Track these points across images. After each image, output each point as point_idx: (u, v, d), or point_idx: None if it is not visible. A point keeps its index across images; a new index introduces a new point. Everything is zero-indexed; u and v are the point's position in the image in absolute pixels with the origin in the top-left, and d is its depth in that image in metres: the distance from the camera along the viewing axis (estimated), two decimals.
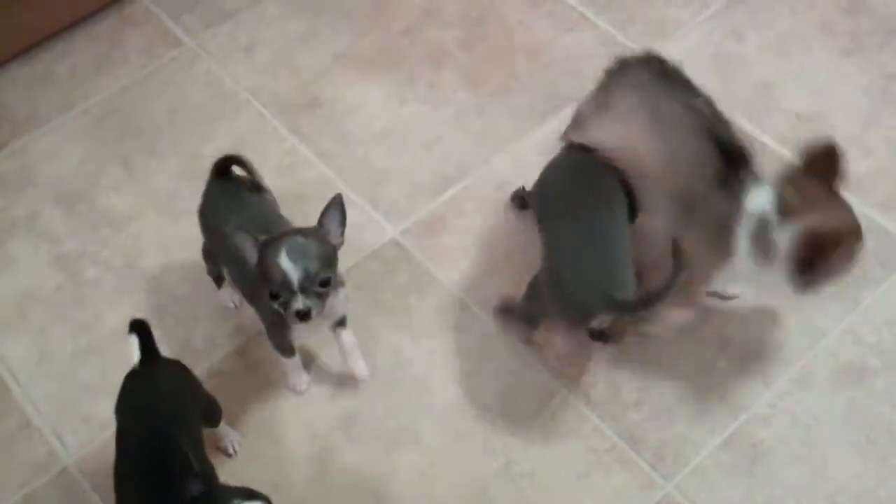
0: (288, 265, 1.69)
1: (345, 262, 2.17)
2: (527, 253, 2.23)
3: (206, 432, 1.87)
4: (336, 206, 1.76)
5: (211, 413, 1.89)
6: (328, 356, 2.12)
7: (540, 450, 2.00)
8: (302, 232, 1.75)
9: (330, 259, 1.75)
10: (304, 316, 1.71)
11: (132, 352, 1.74)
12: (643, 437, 2.00)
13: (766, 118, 2.43)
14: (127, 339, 1.77)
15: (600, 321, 1.96)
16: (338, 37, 2.65)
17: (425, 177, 2.38)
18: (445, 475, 1.98)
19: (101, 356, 2.15)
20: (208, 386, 1.93)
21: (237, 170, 2.02)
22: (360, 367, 2.03)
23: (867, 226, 2.10)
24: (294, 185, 2.36)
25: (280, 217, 1.98)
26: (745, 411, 2.02)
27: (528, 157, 2.39)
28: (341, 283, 1.85)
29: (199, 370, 2.03)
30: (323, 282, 1.72)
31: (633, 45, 2.58)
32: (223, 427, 1.96)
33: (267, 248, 1.71)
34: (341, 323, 1.96)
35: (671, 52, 2.46)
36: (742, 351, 2.09)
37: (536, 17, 2.66)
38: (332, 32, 2.66)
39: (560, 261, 1.88)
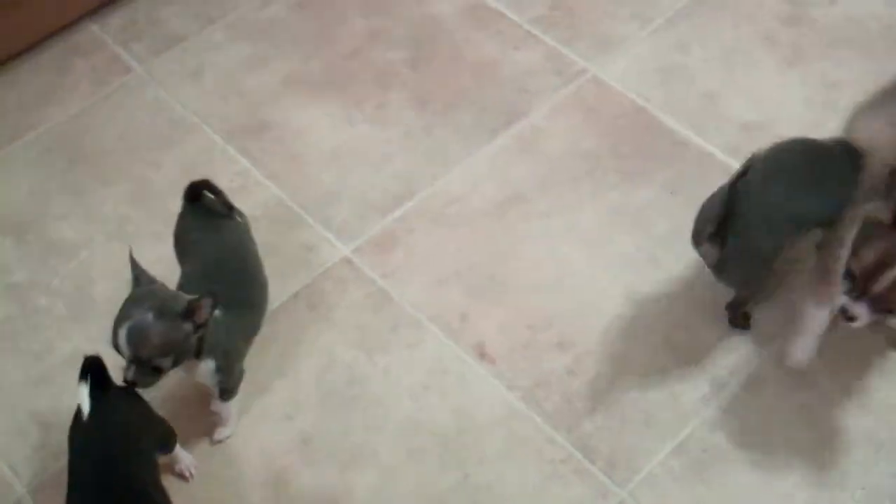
0: (122, 342, 1.69)
1: (297, 282, 2.19)
2: (477, 269, 2.24)
3: (161, 457, 1.86)
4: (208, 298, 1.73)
5: (165, 439, 1.88)
6: (278, 378, 2.11)
7: (496, 463, 2.00)
8: (156, 308, 1.71)
9: (172, 345, 1.72)
10: (132, 384, 1.71)
11: (82, 400, 1.71)
12: (597, 446, 2.01)
13: (711, 129, 2.47)
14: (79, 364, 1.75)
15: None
16: (285, 60, 2.66)
17: (376, 196, 2.39)
18: (402, 492, 1.98)
19: (54, 385, 2.13)
20: (162, 411, 1.93)
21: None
22: (219, 433, 2.02)
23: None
24: (246, 207, 2.35)
25: (246, 245, 2.00)
26: (696, 416, 2.04)
27: (478, 174, 2.41)
28: (213, 356, 1.83)
29: (153, 395, 2.02)
30: (155, 367, 1.71)
31: (580, 60, 2.61)
32: (178, 451, 1.95)
33: (121, 308, 1.71)
34: (221, 394, 1.95)
35: (617, 66, 2.52)
36: (692, 357, 2.11)
37: (484, 36, 2.69)
38: (280, 56, 2.67)
39: None
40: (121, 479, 1.61)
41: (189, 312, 1.72)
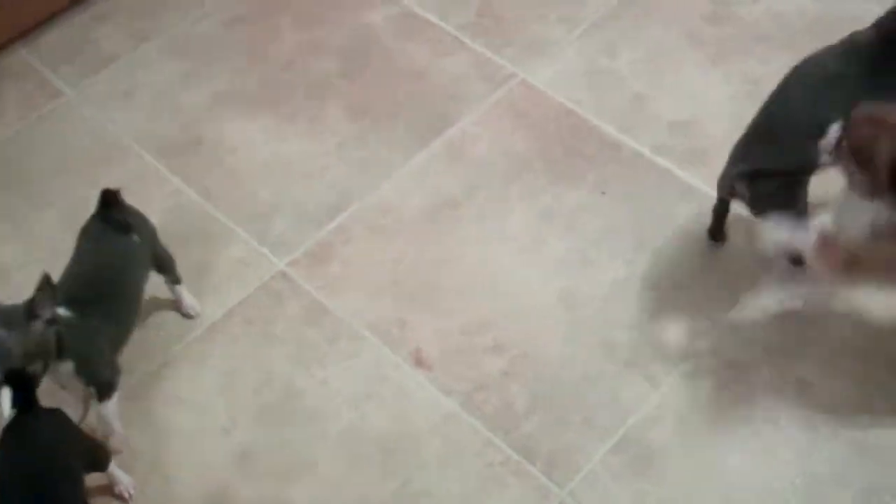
0: None
1: (233, 297, 2.19)
2: (413, 276, 2.26)
3: (103, 476, 1.86)
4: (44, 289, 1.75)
5: (95, 459, 1.87)
6: (216, 394, 2.12)
7: (436, 468, 2.02)
8: (2, 321, 1.72)
9: (33, 347, 1.74)
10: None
11: (4, 404, 1.72)
12: (536, 447, 2.03)
13: (640, 129, 2.50)
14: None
15: None
16: (218, 75, 2.66)
17: (311, 208, 2.40)
18: (343, 502, 1.99)
19: None
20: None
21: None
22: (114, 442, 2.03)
23: (740, 224, 2.17)
24: (180, 226, 2.36)
25: (131, 264, 2.02)
26: (633, 414, 2.06)
27: (413, 181, 2.42)
28: (71, 357, 1.85)
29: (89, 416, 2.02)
30: (30, 377, 1.74)
31: (509, 65, 2.63)
32: (115, 472, 1.95)
33: None
34: (98, 394, 1.96)
35: (546, 70, 2.54)
36: (628, 354, 2.13)
37: (415, 44, 2.70)
38: (213, 71, 2.68)
39: None
40: (47, 498, 1.61)
41: (31, 310, 1.73)
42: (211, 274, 2.26)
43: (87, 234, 2.02)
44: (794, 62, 2.52)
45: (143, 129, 2.57)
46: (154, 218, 2.18)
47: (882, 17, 2.04)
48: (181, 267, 2.19)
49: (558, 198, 2.39)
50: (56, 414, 1.78)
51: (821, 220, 1.91)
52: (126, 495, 1.98)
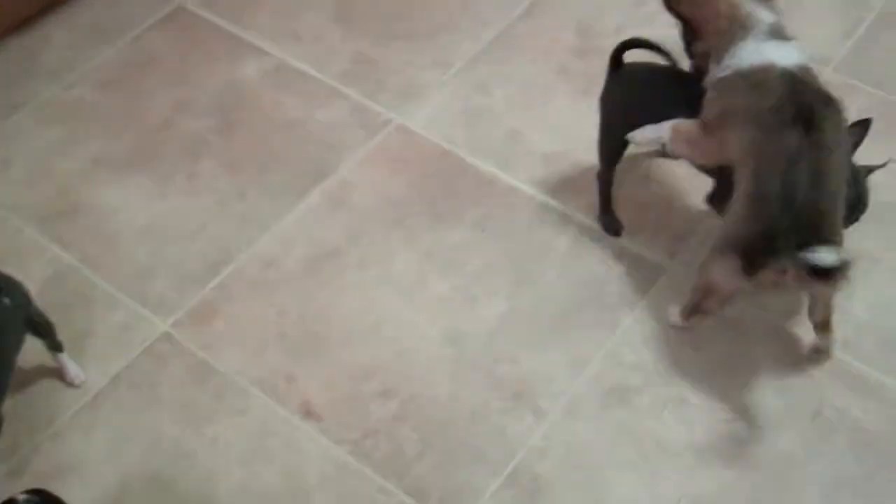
0: None
1: (117, 362, 2.18)
2: (298, 328, 2.26)
3: None
4: None
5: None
6: (104, 463, 2.09)
7: None
8: None
9: None
10: None
11: None
12: (428, 489, 2.04)
13: (516, 163, 2.54)
14: None
15: None
16: (94, 140, 2.65)
17: (192, 266, 2.39)
18: None
19: None
20: None
21: None
22: None
23: (616, 251, 2.22)
24: (60, 293, 2.33)
25: None
26: (521, 448, 2.08)
27: (292, 234, 2.43)
28: None
29: None
30: None
31: (385, 111, 2.66)
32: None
33: None
34: None
35: (422, 113, 2.57)
36: (513, 389, 2.16)
37: (289, 95, 2.72)
38: (89, 136, 2.66)
39: None
40: None
41: None
42: (94, 340, 2.24)
43: None
44: None
45: (19, 198, 2.54)
46: (33, 287, 2.16)
47: None
48: (63, 335, 2.16)
49: (439, 238, 2.42)
50: None
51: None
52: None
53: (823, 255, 1.78)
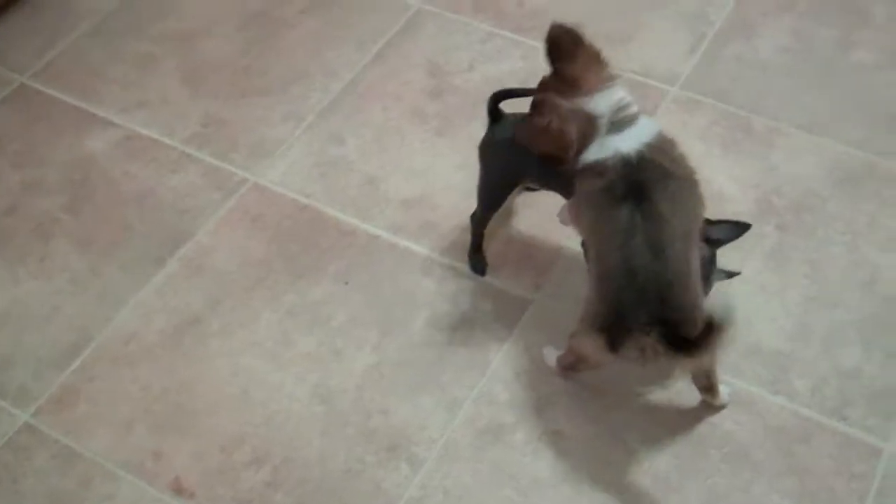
0: None
1: None
2: (163, 402, 2.21)
3: None
4: None
5: None
6: None
7: None
8: None
9: None
10: None
11: None
12: None
13: (375, 212, 2.52)
14: None
15: None
16: None
17: (50, 352, 2.32)
18: None
19: None
20: None
21: None
22: None
23: (481, 289, 2.20)
24: None
25: None
26: (399, 500, 2.05)
27: (153, 305, 2.37)
28: None
29: None
30: None
31: (239, 171, 2.63)
32: None
33: None
34: None
35: (276, 169, 2.54)
36: (387, 441, 2.13)
37: (139, 165, 2.67)
38: None
39: None
40: None
41: None
42: None
43: None
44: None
45: None
46: None
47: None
48: None
49: (302, 295, 2.38)
50: None
51: None
52: None
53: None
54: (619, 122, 1.89)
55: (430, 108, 2.76)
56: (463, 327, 2.30)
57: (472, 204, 2.45)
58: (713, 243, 2.03)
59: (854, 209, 2.47)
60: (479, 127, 2.62)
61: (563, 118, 1.89)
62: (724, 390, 2.11)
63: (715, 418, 2.13)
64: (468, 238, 2.38)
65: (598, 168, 1.89)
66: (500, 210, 2.35)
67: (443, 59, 2.88)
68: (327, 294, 2.38)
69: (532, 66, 2.83)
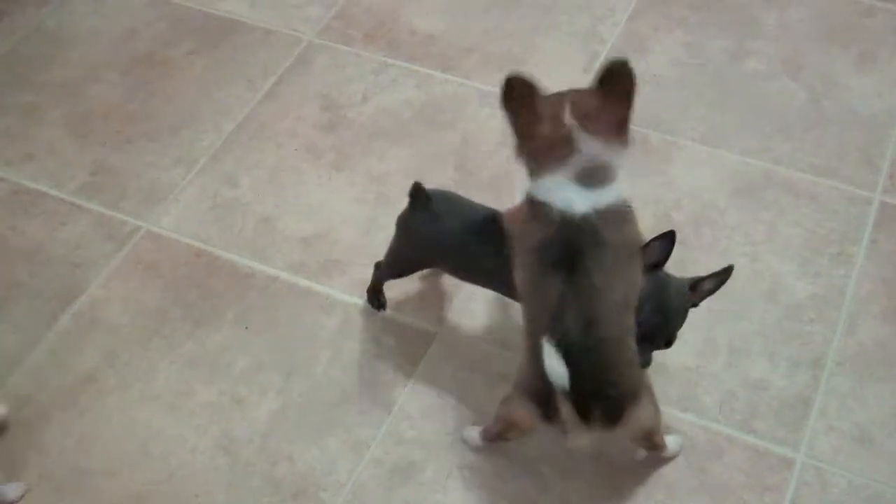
0: None
1: None
2: (58, 466, 2.14)
3: None
4: None
5: None
6: None
7: None
8: None
9: None
10: None
11: None
12: None
13: (273, 252, 2.46)
14: None
15: None
16: None
17: None
18: None
19: None
20: None
21: None
22: None
23: (384, 325, 2.16)
24: None
25: None
26: None
27: (42, 367, 2.29)
28: None
29: None
30: None
31: (131, 219, 2.55)
32: None
33: None
34: None
35: (170, 215, 2.48)
36: (293, 488, 2.07)
37: (27, 219, 2.58)
38: None
39: None
40: None
41: None
42: None
43: None
44: (410, 152, 2.59)
45: None
46: None
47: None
48: None
49: (201, 342, 2.31)
50: None
51: None
52: None
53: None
54: (590, 176, 1.69)
55: (325, 143, 2.72)
56: (367, 365, 2.25)
57: (371, 238, 2.42)
58: (654, 268, 1.89)
59: (753, 219, 2.47)
60: (375, 159, 2.60)
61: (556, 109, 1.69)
62: (673, 441, 2.05)
63: (626, 442, 2.09)
64: (369, 273, 2.33)
65: (542, 211, 1.71)
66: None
67: (336, 92, 2.84)
68: (227, 340, 2.31)
69: (426, 95, 2.80)
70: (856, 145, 2.63)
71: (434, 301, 2.35)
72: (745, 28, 2.97)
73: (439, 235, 2.05)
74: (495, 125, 2.71)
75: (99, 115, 2.81)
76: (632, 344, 1.78)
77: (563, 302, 1.70)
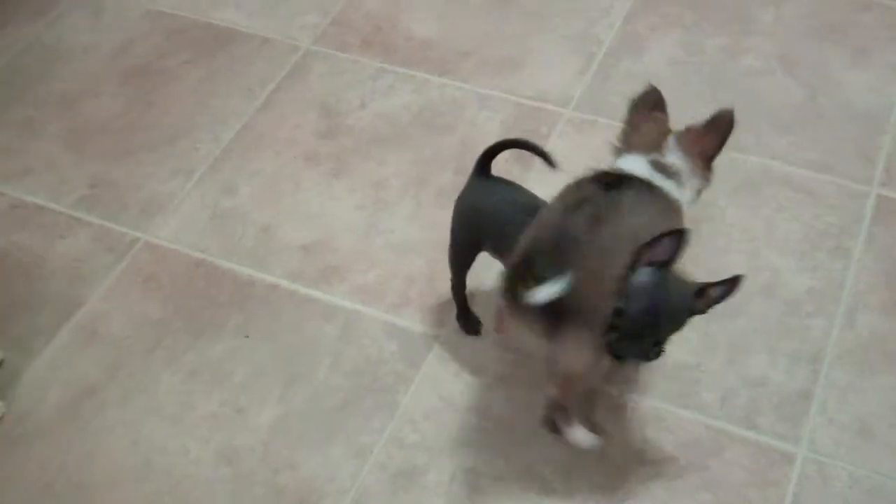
0: None
1: None
2: (62, 481, 2.14)
3: None
4: None
5: None
6: None
7: None
8: None
9: None
10: None
11: None
12: None
13: (273, 261, 2.47)
14: None
15: None
16: None
17: None
18: None
19: None
20: None
21: None
22: None
23: (385, 331, 2.16)
24: None
25: None
26: None
27: (46, 379, 2.31)
28: None
29: None
30: None
31: (130, 231, 2.56)
32: None
33: None
34: None
35: (169, 226, 2.48)
36: (297, 496, 2.08)
37: (26, 233, 2.59)
38: None
39: None
40: None
41: None
42: None
43: None
44: (409, 157, 2.59)
45: None
46: None
47: None
48: None
49: (202, 353, 2.32)
50: None
51: None
52: None
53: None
54: (662, 169, 1.93)
55: (324, 150, 2.72)
56: (369, 370, 2.26)
57: (371, 244, 2.43)
58: (662, 265, 1.83)
59: (752, 215, 2.47)
60: (374, 165, 2.61)
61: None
62: (583, 435, 2.03)
63: (626, 440, 2.10)
64: (368, 279, 2.34)
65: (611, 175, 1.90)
66: (396, 247, 2.31)
67: (334, 100, 2.85)
68: (228, 350, 2.31)
69: (424, 99, 2.81)
70: (852, 140, 2.62)
71: (434, 305, 2.35)
72: (742, 25, 2.97)
73: (490, 209, 2.03)
74: (493, 128, 2.71)
75: (97, 128, 2.82)
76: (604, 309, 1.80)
77: (582, 204, 1.82)
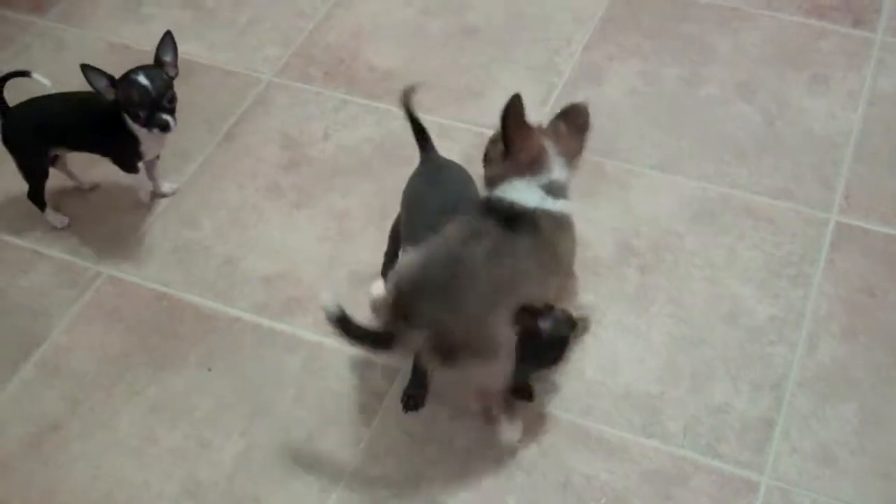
0: (146, 83, 2.28)
1: None
2: None
3: None
4: (168, 41, 2.36)
5: None
6: None
7: None
8: (146, 67, 2.34)
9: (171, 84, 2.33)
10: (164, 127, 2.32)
11: None
12: None
13: (235, 293, 2.46)
14: None
15: None
16: None
17: None
18: None
19: None
20: None
21: None
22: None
23: (349, 363, 2.15)
24: None
25: None
26: None
27: (7, 414, 2.28)
28: None
29: None
30: (171, 98, 2.33)
31: (93, 265, 2.55)
32: None
33: (124, 79, 2.32)
34: None
35: (132, 259, 2.48)
36: None
37: None
38: None
39: None
40: None
41: None
42: None
43: None
44: (371, 188, 2.59)
45: None
46: None
47: None
48: None
49: (164, 387, 2.30)
50: None
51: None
52: None
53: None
54: (557, 189, 1.91)
55: (286, 182, 2.72)
56: (332, 403, 2.25)
57: (334, 275, 2.44)
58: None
59: (712, 243, 2.49)
60: (337, 197, 2.61)
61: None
62: (511, 433, 2.09)
63: (590, 470, 2.10)
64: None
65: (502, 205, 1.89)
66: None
67: (296, 131, 2.85)
68: (191, 383, 2.30)
69: (387, 131, 2.82)
70: (812, 167, 2.66)
71: None
72: (700, 55, 3.01)
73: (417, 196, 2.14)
74: (455, 158, 2.72)
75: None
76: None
77: (480, 238, 1.85)
